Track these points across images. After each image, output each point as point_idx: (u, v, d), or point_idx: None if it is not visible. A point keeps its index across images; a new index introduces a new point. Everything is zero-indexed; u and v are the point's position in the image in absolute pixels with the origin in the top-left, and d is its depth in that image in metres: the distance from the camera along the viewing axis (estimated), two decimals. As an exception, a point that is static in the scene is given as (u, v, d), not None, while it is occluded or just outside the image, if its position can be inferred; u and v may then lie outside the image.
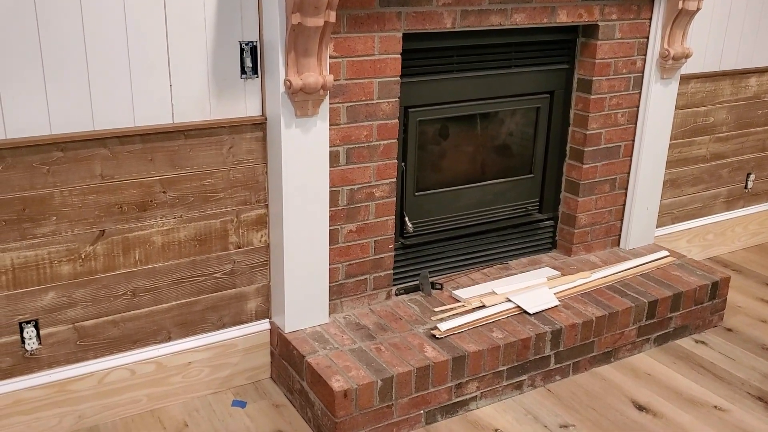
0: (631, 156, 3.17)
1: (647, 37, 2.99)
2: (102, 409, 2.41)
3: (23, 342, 2.25)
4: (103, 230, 2.27)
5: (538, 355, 2.65)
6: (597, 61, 2.92)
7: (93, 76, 2.12)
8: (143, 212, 2.31)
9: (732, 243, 3.90)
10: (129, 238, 2.32)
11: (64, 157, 2.15)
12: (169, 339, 2.48)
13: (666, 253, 3.25)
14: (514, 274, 3.03)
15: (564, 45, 2.96)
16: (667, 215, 3.56)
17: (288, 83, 2.24)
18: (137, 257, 2.35)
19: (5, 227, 2.13)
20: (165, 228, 2.36)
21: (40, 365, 2.30)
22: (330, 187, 2.49)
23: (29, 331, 2.25)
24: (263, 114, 2.40)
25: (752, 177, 3.81)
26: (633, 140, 3.15)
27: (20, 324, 2.23)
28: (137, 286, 2.38)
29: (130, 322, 2.40)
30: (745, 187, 3.82)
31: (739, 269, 3.72)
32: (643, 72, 3.05)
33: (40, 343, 2.28)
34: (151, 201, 2.32)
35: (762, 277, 3.65)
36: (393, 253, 2.75)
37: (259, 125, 2.41)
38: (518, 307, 2.75)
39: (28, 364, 2.28)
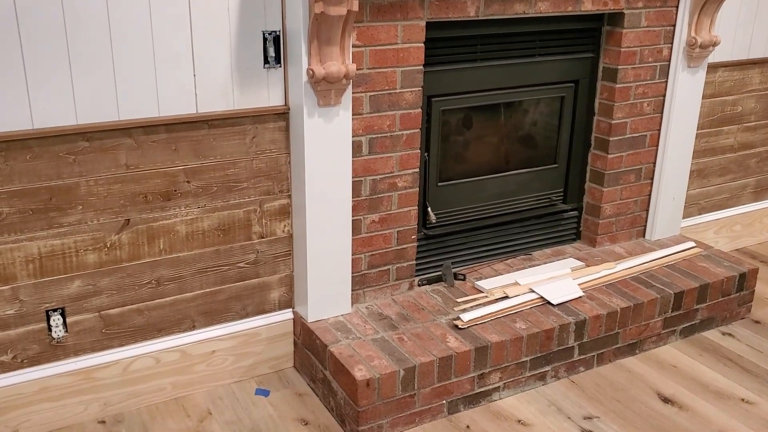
0: (657, 146, 3.13)
1: (674, 25, 2.95)
2: (127, 396, 2.44)
3: (50, 330, 2.28)
4: (128, 219, 2.29)
5: (561, 346, 2.63)
6: (623, 49, 2.88)
7: (118, 66, 2.13)
8: (167, 202, 2.33)
9: (760, 234, 3.84)
10: (153, 227, 2.34)
11: (89, 147, 2.17)
12: (194, 328, 2.50)
13: (692, 244, 3.21)
14: (538, 264, 3.01)
15: (589, 33, 2.93)
16: (693, 206, 3.51)
17: (311, 72, 2.24)
18: (162, 246, 2.36)
19: (32, 216, 2.16)
20: (189, 217, 2.38)
21: (67, 353, 2.33)
22: (353, 177, 2.49)
23: (56, 319, 2.27)
24: (286, 103, 2.40)
25: (781, 167, 3.75)
26: (659, 130, 3.11)
27: (47, 312, 2.26)
28: (162, 275, 2.39)
29: (155, 310, 2.42)
30: (774, 177, 3.76)
31: (768, 261, 3.67)
32: (669, 60, 3.01)
33: (66, 331, 2.31)
34: (175, 190, 2.33)
35: (791, 269, 3.60)
36: (416, 244, 2.74)
37: (282, 115, 2.41)
38: (542, 297, 2.73)
39: (54, 351, 2.31)
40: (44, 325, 2.27)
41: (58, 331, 2.29)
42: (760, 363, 2.82)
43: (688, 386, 2.67)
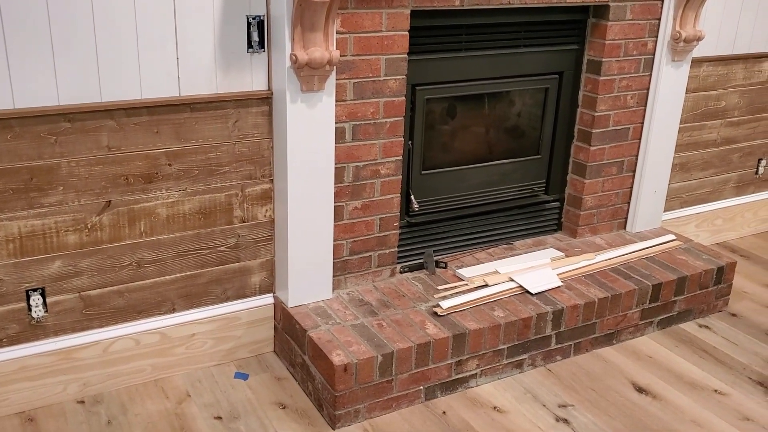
0: (639, 139, 3.15)
1: (659, 19, 2.96)
2: (106, 377, 2.45)
3: (30, 309, 2.29)
4: (109, 201, 2.30)
5: (539, 334, 2.66)
6: (607, 42, 2.89)
7: (101, 47, 2.13)
8: (149, 184, 2.33)
9: (741, 229, 3.88)
10: (134, 209, 2.34)
11: (71, 128, 2.17)
12: (174, 310, 2.51)
13: (672, 236, 3.24)
14: (519, 254, 3.04)
15: (574, 25, 2.94)
16: (675, 199, 3.54)
17: (294, 58, 2.24)
18: (142, 229, 2.37)
19: (13, 196, 2.16)
20: (170, 200, 2.38)
21: (46, 333, 2.34)
22: (335, 164, 2.50)
23: (36, 299, 2.28)
24: (269, 88, 2.41)
25: (763, 163, 3.78)
26: (642, 123, 3.13)
27: (27, 292, 2.27)
28: (142, 257, 2.40)
29: (135, 292, 2.43)
30: (756, 172, 3.79)
31: (747, 255, 3.70)
32: (654, 54, 3.02)
33: (46, 311, 2.31)
34: (157, 173, 2.34)
35: (770, 263, 3.64)
36: (398, 231, 2.76)
37: (265, 99, 2.42)
38: (521, 286, 2.75)
39: (34, 331, 2.32)
40: (24, 304, 2.28)
41: (38, 311, 2.30)
42: (735, 355, 2.86)
43: (663, 377, 2.70)
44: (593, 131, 3.03)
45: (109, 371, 2.45)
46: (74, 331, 2.38)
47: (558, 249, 3.09)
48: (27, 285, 2.26)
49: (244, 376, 2.58)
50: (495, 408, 2.49)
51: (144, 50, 2.19)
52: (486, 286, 2.74)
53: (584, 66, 3.00)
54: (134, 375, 2.50)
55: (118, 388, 2.48)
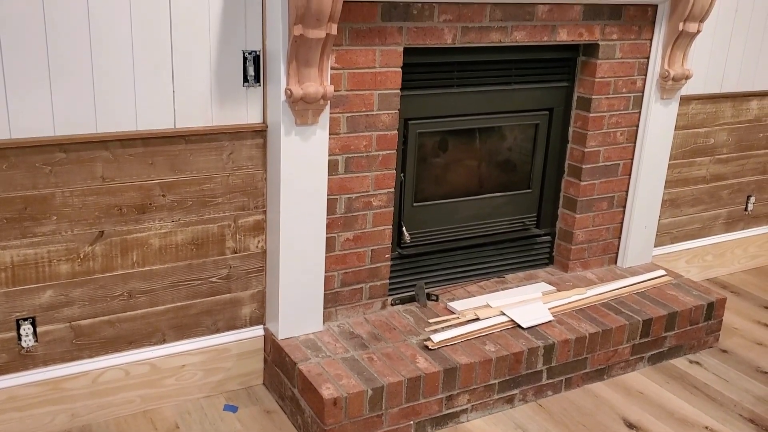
0: (629, 174, 3.19)
1: (648, 58, 3.02)
2: (95, 408, 2.44)
3: (20, 339, 2.28)
4: (102, 231, 2.31)
5: (530, 369, 2.66)
6: (597, 79, 2.94)
7: (97, 79, 2.16)
8: (142, 215, 2.35)
9: (731, 265, 3.90)
10: (127, 239, 2.35)
11: (66, 158, 2.19)
12: (164, 341, 2.51)
13: (663, 272, 3.26)
14: (510, 287, 3.05)
15: (564, 63, 2.99)
16: (666, 235, 3.57)
17: (289, 92, 2.28)
18: (135, 259, 2.38)
19: (6, 225, 2.17)
20: (163, 231, 2.40)
21: (36, 362, 2.33)
22: (328, 195, 2.52)
23: (26, 329, 2.28)
24: (264, 121, 2.44)
25: (752, 199, 3.82)
26: (632, 159, 3.17)
27: (17, 321, 2.26)
28: (134, 287, 2.41)
29: (126, 323, 2.43)
30: (746, 209, 3.83)
31: (738, 291, 3.72)
32: (643, 92, 3.07)
33: (36, 341, 2.31)
34: (150, 204, 2.35)
35: (760, 299, 3.65)
36: (390, 263, 2.77)
37: (260, 132, 2.44)
38: (512, 320, 2.76)
39: (23, 361, 2.31)
40: (14, 334, 2.27)
41: (27, 341, 2.29)
42: (726, 392, 2.86)
43: (653, 413, 2.70)
44: (583, 166, 3.06)
45: (98, 402, 2.44)
46: (64, 361, 2.37)
47: (549, 283, 3.10)
48: (17, 314, 2.26)
49: (233, 409, 2.57)
50: (485, 443, 2.48)
51: (140, 82, 2.22)
52: (477, 319, 2.75)
53: (574, 102, 3.05)
54: (123, 406, 2.48)
55: (106, 419, 2.47)
